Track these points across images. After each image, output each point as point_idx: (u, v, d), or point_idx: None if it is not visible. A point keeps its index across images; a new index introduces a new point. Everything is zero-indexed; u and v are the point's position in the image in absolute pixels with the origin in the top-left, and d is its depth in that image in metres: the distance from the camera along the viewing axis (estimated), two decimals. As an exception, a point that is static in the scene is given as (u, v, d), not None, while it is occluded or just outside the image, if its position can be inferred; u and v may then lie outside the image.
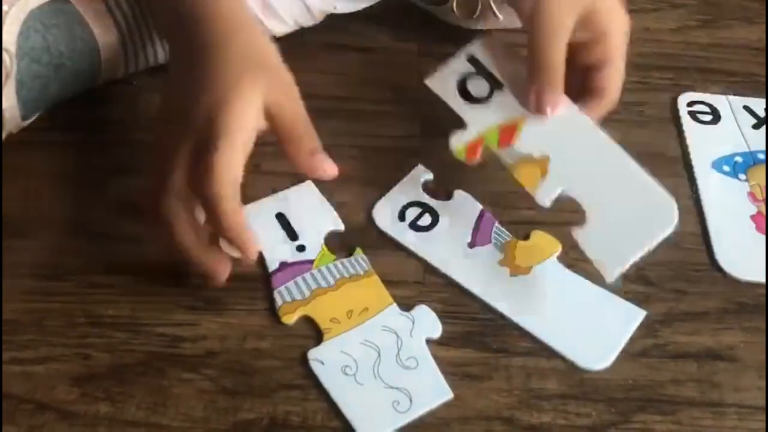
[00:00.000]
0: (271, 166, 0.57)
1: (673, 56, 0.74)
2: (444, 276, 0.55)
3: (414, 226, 0.57)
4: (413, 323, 0.52)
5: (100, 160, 0.60)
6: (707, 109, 0.68)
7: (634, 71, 0.71)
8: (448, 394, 0.49)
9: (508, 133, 0.55)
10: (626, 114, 0.67)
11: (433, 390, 0.49)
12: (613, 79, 0.56)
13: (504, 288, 0.54)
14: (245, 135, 0.48)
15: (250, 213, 0.51)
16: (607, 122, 0.65)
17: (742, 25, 0.78)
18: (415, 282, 0.55)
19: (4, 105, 0.57)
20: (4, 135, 0.58)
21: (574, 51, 0.55)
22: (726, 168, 0.63)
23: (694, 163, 0.63)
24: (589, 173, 0.53)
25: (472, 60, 0.58)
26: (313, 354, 0.50)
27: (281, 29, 0.67)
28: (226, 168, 0.46)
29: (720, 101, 0.69)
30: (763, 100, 0.68)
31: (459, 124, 0.56)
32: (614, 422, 0.48)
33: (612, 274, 0.50)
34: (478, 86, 0.57)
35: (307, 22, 0.67)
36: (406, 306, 0.53)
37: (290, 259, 0.55)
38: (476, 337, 0.52)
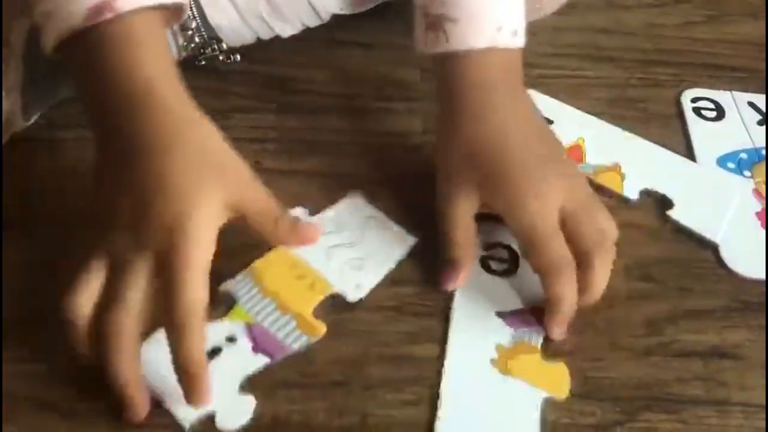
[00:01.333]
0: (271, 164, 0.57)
1: (677, 52, 0.74)
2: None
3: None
4: None
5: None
6: (712, 106, 0.68)
7: (638, 67, 0.72)
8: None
9: (575, 151, 0.62)
10: (630, 110, 0.67)
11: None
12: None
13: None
14: (210, 250, 0.44)
15: None
16: (612, 118, 0.65)
17: (747, 20, 0.78)
18: (417, 280, 0.54)
19: (11, 106, 0.57)
20: (8, 135, 0.58)
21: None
22: (731, 165, 0.63)
23: (698, 159, 0.63)
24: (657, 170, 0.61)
25: None
26: None
27: (287, 31, 0.66)
28: (195, 295, 0.43)
29: (724, 97, 0.68)
30: (769, 97, 0.68)
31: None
32: (619, 421, 0.48)
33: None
34: None
35: (314, 22, 0.67)
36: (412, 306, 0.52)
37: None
38: (479, 335, 0.52)
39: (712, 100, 0.68)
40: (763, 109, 0.67)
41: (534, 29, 0.73)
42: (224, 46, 0.65)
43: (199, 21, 0.63)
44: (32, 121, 0.60)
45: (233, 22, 0.64)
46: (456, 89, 0.55)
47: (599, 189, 0.59)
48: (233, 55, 0.67)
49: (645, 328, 0.52)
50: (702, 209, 0.59)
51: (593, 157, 0.62)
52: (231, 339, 0.49)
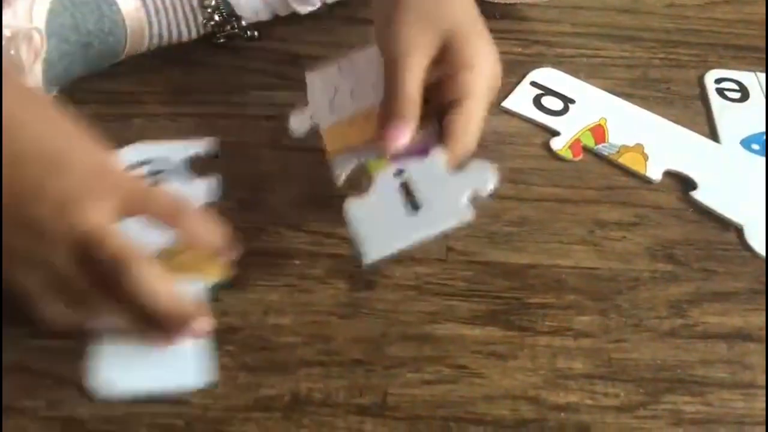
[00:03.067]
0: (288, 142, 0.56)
1: (699, 32, 0.73)
2: (466, 253, 0.54)
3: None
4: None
5: (116, 132, 0.59)
6: (735, 87, 0.67)
7: (660, 47, 0.71)
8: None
9: (598, 132, 0.61)
10: (652, 91, 0.67)
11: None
12: (463, 122, 0.49)
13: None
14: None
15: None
16: (633, 99, 0.65)
17: (769, 1, 0.76)
18: (437, 259, 0.54)
19: (34, 83, 0.56)
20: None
21: (431, 91, 0.50)
22: (755, 146, 0.62)
23: (722, 140, 0.62)
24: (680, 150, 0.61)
25: (534, 84, 0.65)
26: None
27: (307, 8, 0.65)
28: (151, 280, 0.42)
29: (749, 78, 0.68)
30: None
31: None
32: (643, 403, 0.47)
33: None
34: (551, 102, 0.64)
35: None
36: (432, 286, 0.52)
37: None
38: (501, 315, 0.51)
39: (735, 81, 0.67)
40: (788, 90, 0.66)
41: (554, 8, 0.73)
42: (243, 23, 0.65)
43: (218, -2, 0.63)
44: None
45: (251, 0, 0.64)
46: None
47: (622, 169, 0.59)
48: (251, 32, 0.66)
49: (668, 310, 0.52)
50: (726, 190, 0.58)
51: (616, 138, 0.61)
52: None
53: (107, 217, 0.43)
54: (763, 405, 0.47)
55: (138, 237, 0.44)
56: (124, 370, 0.46)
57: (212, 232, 0.46)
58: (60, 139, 0.45)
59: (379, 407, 0.46)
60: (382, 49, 0.52)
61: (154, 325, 0.44)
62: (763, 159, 0.61)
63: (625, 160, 0.60)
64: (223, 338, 0.48)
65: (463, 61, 0.50)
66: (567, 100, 0.64)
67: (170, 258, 0.47)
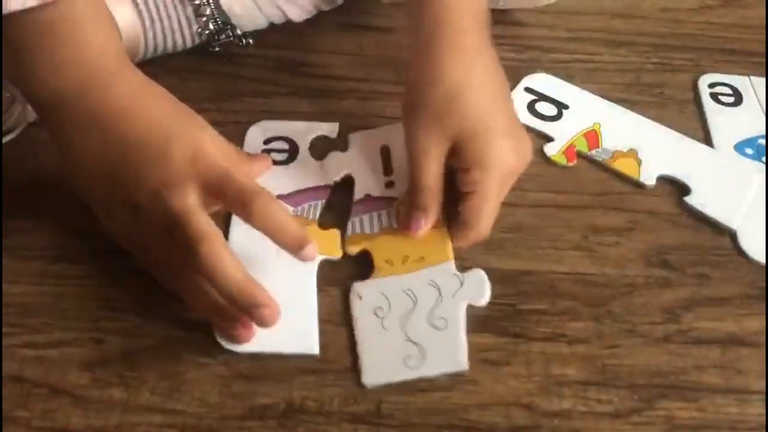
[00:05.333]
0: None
1: (693, 36, 0.73)
2: (460, 260, 0.54)
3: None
4: (461, 285, 0.51)
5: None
6: (729, 91, 0.67)
7: (654, 52, 0.71)
8: (461, 366, 0.48)
9: (592, 137, 0.62)
10: (646, 96, 0.67)
11: (449, 356, 0.48)
12: (477, 213, 0.52)
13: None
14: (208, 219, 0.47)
15: (356, 141, 0.59)
16: (627, 104, 0.65)
17: (763, 4, 0.76)
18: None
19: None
20: (24, 125, 0.58)
21: (452, 174, 0.54)
22: (749, 151, 0.62)
23: (716, 145, 0.62)
24: (674, 155, 0.61)
25: (528, 89, 0.66)
26: (356, 288, 0.51)
27: (302, 15, 0.66)
28: (219, 260, 0.46)
29: (742, 82, 0.68)
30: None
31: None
32: (636, 409, 0.47)
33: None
34: (545, 108, 0.64)
35: (327, 6, 0.66)
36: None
37: (375, 193, 0.56)
38: (495, 321, 0.51)
39: (729, 85, 0.67)
40: (782, 94, 0.66)
41: (547, 13, 0.73)
42: (238, 31, 0.65)
43: (213, 7, 0.63)
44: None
45: (246, 8, 0.64)
46: (435, 25, 0.54)
47: (616, 175, 0.59)
48: (246, 39, 0.66)
49: (662, 315, 0.52)
50: (720, 196, 0.58)
51: (610, 143, 0.61)
52: None
53: (192, 200, 0.47)
54: (756, 410, 0.47)
55: None
56: None
57: (282, 225, 0.48)
58: (167, 127, 0.49)
59: (373, 415, 0.46)
60: (405, 143, 0.55)
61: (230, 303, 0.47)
62: (757, 163, 0.61)
63: (619, 165, 0.60)
64: (217, 347, 0.49)
65: (473, 160, 0.52)
66: (561, 106, 0.64)
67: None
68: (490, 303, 0.52)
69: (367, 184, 0.57)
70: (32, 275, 0.51)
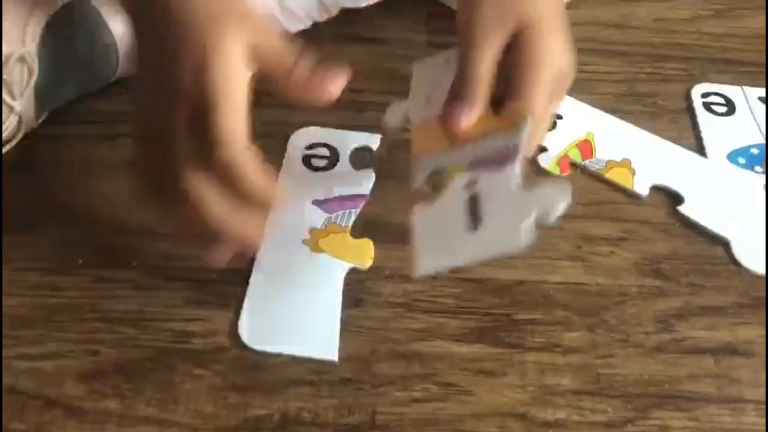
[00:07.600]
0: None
1: (686, 46, 0.73)
2: (454, 270, 0.54)
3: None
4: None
5: (109, 153, 0.60)
6: (722, 101, 0.67)
7: (647, 62, 0.71)
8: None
9: (586, 147, 0.62)
10: (639, 106, 0.67)
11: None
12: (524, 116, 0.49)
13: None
14: (241, 92, 0.44)
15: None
16: (621, 114, 0.65)
17: (756, 14, 0.77)
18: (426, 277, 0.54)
19: (24, 108, 0.57)
20: (19, 136, 0.58)
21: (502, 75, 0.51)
22: (741, 160, 0.62)
23: (709, 155, 0.63)
24: (667, 165, 0.61)
25: None
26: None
27: (297, 26, 0.66)
28: (233, 132, 0.43)
29: (735, 92, 0.68)
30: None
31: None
32: (630, 419, 0.47)
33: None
34: None
35: (322, 17, 0.67)
36: (421, 303, 0.52)
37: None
38: (489, 332, 0.51)
39: (722, 95, 0.68)
40: (774, 103, 0.67)
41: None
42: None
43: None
44: (41, 120, 0.60)
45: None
46: None
47: (610, 184, 0.60)
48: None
49: (656, 325, 0.52)
50: (713, 205, 0.59)
51: (603, 153, 0.62)
52: None
53: (238, 58, 0.44)
54: (751, 420, 0.47)
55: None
56: (268, 330, 0.50)
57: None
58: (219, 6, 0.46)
59: (368, 426, 0.46)
60: (459, 35, 0.52)
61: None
62: (750, 173, 0.61)
63: (612, 175, 0.60)
64: (212, 358, 0.49)
65: (530, 57, 0.50)
66: (554, 116, 0.64)
67: (316, 239, 0.54)
68: (484, 314, 0.52)
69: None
70: (27, 287, 0.51)
